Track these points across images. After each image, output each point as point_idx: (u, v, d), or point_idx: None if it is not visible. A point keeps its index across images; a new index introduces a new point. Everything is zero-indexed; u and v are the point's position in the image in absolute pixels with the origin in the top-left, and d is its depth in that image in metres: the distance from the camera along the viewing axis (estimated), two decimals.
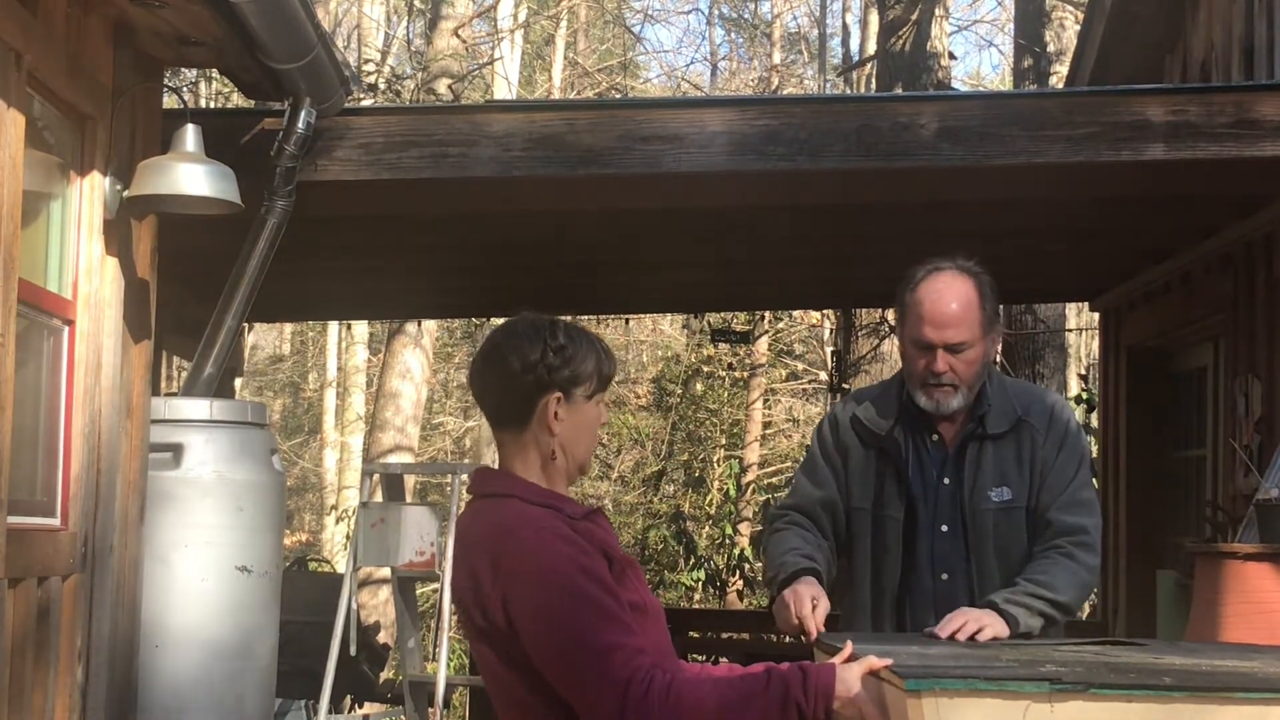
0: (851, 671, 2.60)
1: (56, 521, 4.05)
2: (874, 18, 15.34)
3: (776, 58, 22.83)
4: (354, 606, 7.27)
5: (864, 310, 12.21)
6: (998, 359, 3.81)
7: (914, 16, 12.12)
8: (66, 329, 4.14)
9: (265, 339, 26.33)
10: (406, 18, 20.31)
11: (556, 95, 20.78)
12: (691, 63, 35.21)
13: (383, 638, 11.52)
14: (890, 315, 11.61)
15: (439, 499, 18.24)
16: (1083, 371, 14.43)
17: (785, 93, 20.49)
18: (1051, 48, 12.66)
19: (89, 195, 4.20)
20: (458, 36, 15.55)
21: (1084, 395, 10.64)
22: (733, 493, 16.90)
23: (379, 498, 7.54)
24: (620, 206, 5.82)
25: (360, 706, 10.62)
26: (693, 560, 15.36)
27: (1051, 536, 3.52)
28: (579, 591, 2.51)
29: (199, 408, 4.68)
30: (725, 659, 8.68)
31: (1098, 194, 5.76)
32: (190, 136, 4.36)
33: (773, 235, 6.73)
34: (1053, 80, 12.30)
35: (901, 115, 5.08)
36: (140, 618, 4.50)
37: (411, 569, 7.15)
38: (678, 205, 5.76)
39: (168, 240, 4.73)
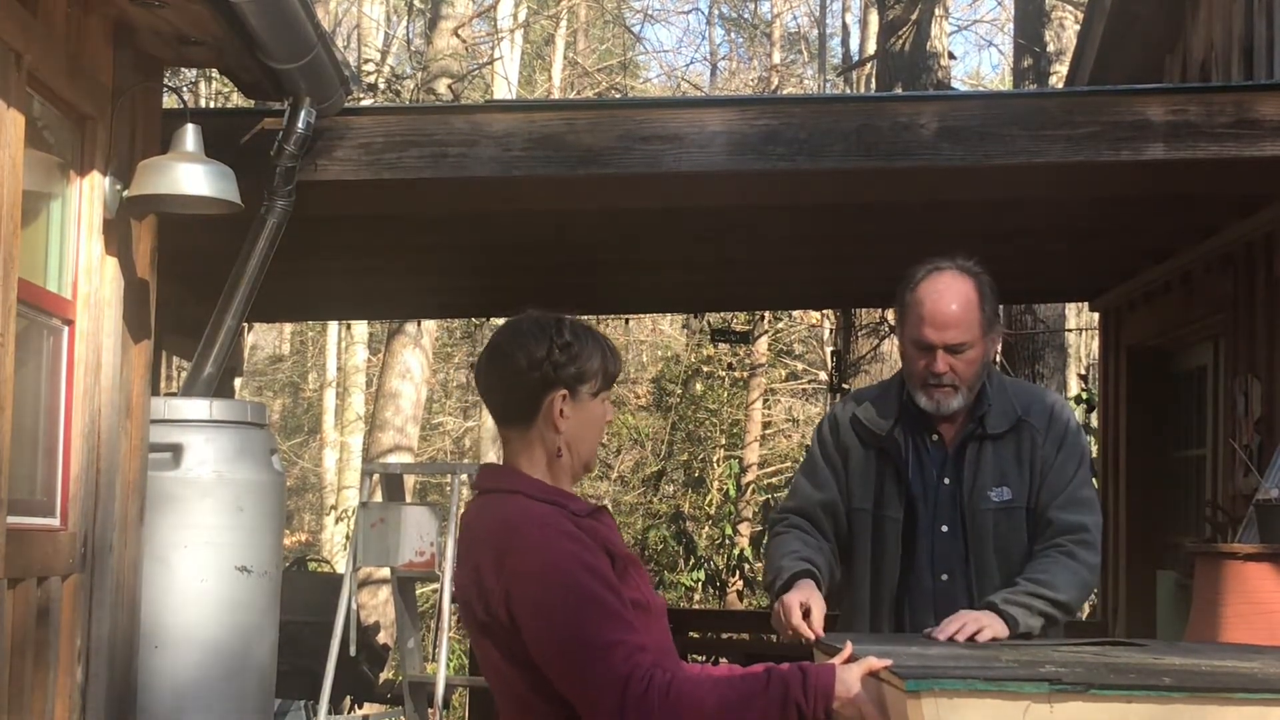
0: (851, 672, 2.60)
1: (56, 521, 4.05)
2: (874, 17, 15.34)
3: (776, 57, 22.83)
4: (354, 607, 7.27)
5: (864, 310, 12.20)
6: (997, 359, 3.81)
7: (914, 16, 12.12)
8: (66, 329, 4.14)
9: (265, 339, 26.33)
10: (406, 18, 20.32)
11: (556, 95, 20.78)
12: (691, 63, 35.26)
13: (382, 638, 11.52)
14: (890, 315, 11.61)
15: (439, 499, 18.24)
16: (1083, 371, 14.44)
17: (785, 93, 20.49)
18: (1051, 48, 12.66)
19: (89, 195, 4.20)
20: (457, 36, 15.55)
21: (1084, 395, 10.64)
22: (732, 493, 16.90)
23: (379, 498, 7.54)
24: (620, 206, 5.82)
25: (360, 707, 10.62)
26: (692, 560, 15.35)
27: (1051, 535, 3.52)
28: (581, 588, 2.51)
29: (199, 408, 4.68)
30: (725, 659, 8.68)
31: (1098, 194, 5.76)
32: (190, 136, 4.36)
33: (773, 235, 6.73)
34: (1053, 80, 12.30)
35: (901, 115, 5.08)
36: (140, 618, 4.50)
37: (411, 569, 7.15)
38: (678, 205, 5.76)
39: (168, 240, 4.72)
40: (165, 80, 4.82)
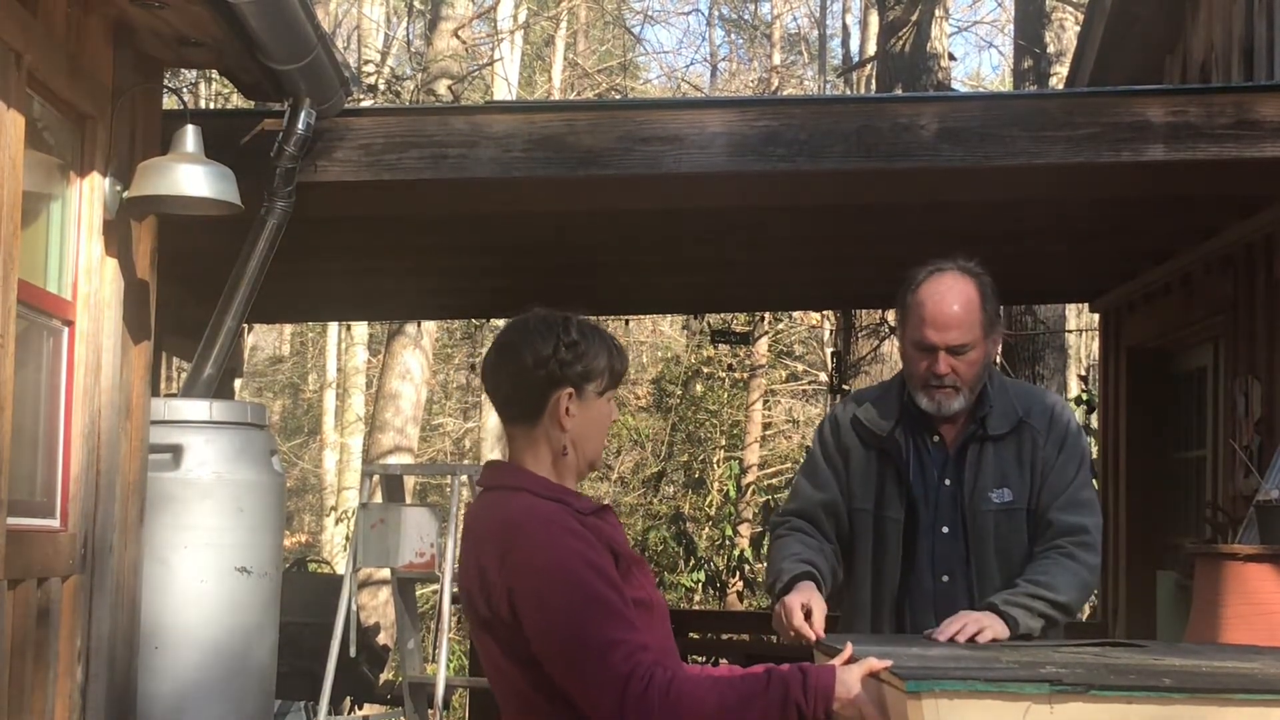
0: (851, 673, 2.60)
1: (56, 522, 4.05)
2: (874, 19, 15.35)
3: (776, 59, 22.84)
4: (354, 608, 7.27)
5: (864, 311, 12.20)
6: (998, 360, 3.81)
7: (914, 17, 12.12)
8: (66, 329, 4.13)
9: (265, 340, 26.33)
10: (406, 18, 20.32)
11: (556, 96, 20.78)
12: (691, 64, 35.27)
13: (382, 639, 11.52)
14: (890, 316, 11.61)
15: (439, 500, 18.24)
16: (1083, 372, 14.44)
17: (785, 94, 20.49)
18: (1051, 49, 12.66)
19: (89, 196, 4.20)
20: (457, 37, 15.56)
21: (1084, 396, 10.64)
22: (733, 494, 16.90)
23: (379, 499, 7.54)
24: (620, 207, 5.82)
25: (360, 708, 10.61)
26: (693, 561, 15.35)
27: (1052, 536, 3.52)
28: (584, 586, 2.52)
29: (199, 408, 4.68)
30: (725, 660, 8.68)
31: (1098, 195, 5.76)
32: (190, 137, 4.36)
33: (773, 236, 6.73)
34: (1053, 81, 12.30)
35: (902, 116, 5.08)
36: (140, 618, 4.50)
37: (411, 570, 7.15)
38: (678, 206, 5.76)
39: (168, 241, 4.73)
40: (165, 81, 4.82)
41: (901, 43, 12.14)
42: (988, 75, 28.58)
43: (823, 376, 17.80)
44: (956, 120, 5.06)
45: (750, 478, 18.01)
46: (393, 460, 14.01)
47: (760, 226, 6.49)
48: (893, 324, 11.64)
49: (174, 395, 5.00)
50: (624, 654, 2.48)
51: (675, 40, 46.65)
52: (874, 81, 14.17)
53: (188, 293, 6.78)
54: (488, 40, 18.55)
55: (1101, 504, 3.74)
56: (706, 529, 17.32)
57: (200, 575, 4.58)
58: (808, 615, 3.33)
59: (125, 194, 4.28)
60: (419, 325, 15.22)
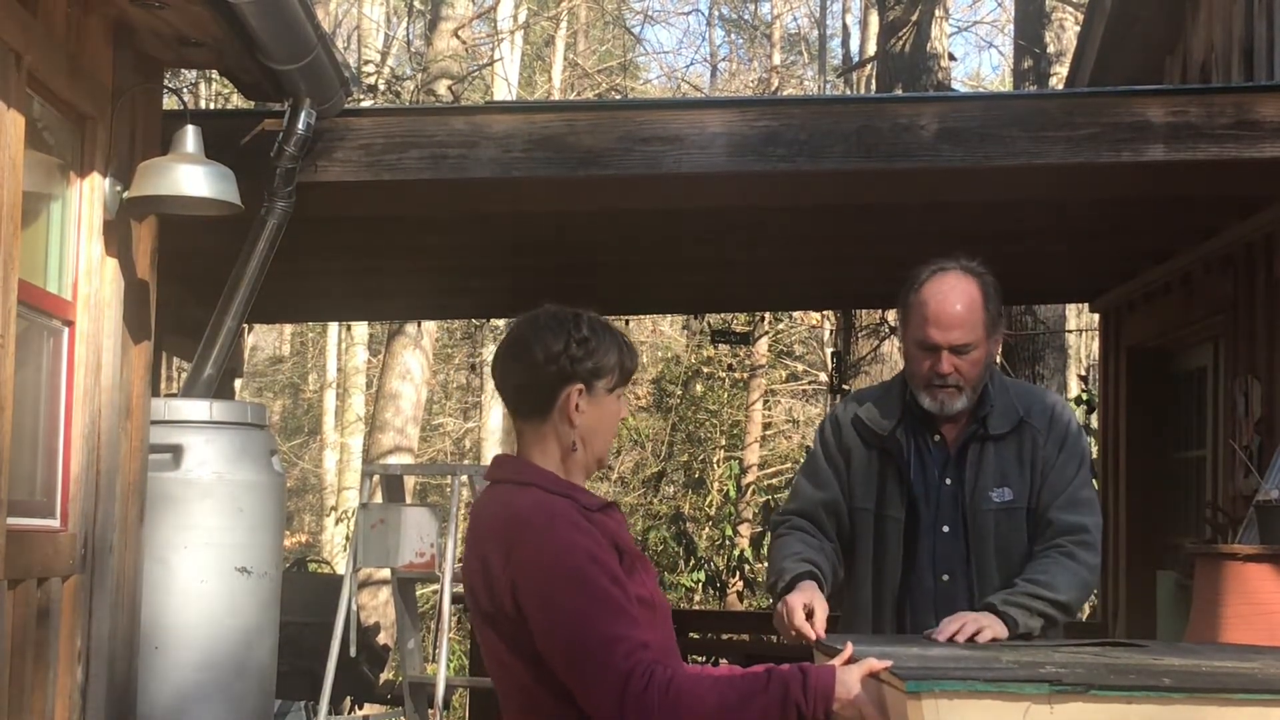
0: (851, 673, 2.60)
1: (56, 522, 4.05)
2: (874, 19, 15.34)
3: (776, 59, 22.83)
4: (354, 607, 7.27)
5: (864, 311, 12.20)
6: (998, 360, 3.81)
7: (914, 17, 12.12)
8: (66, 330, 4.14)
9: (265, 340, 26.33)
10: (406, 19, 20.32)
11: (556, 96, 20.78)
12: (691, 64, 35.26)
13: (383, 639, 11.52)
14: (890, 316, 11.61)
15: (439, 500, 18.24)
16: (1083, 372, 14.44)
17: (785, 94, 20.50)
18: (1051, 49, 12.66)
19: (89, 196, 4.20)
20: (457, 38, 15.55)
21: (1084, 396, 10.64)
22: (733, 494, 16.90)
23: (379, 499, 7.54)
24: (620, 207, 5.82)
25: (360, 707, 10.62)
26: (693, 561, 15.35)
27: (1052, 536, 3.52)
28: (588, 581, 2.52)
29: (199, 409, 4.68)
30: (725, 660, 8.68)
31: (1098, 195, 5.76)
32: (190, 137, 4.36)
33: (773, 236, 6.73)
34: (1053, 81, 12.30)
35: (902, 116, 5.08)
36: (140, 619, 4.50)
37: (411, 570, 7.14)
38: (678, 206, 5.76)
39: (168, 240, 4.73)
40: (165, 81, 4.82)
41: (901, 43, 12.14)
42: (988, 75, 28.60)
43: (823, 376, 17.80)
44: (956, 120, 5.06)
45: (750, 478, 18.00)
46: (393, 460, 14.01)
47: (760, 226, 6.49)
48: (893, 324, 11.64)
49: (174, 395, 5.00)
50: (626, 651, 2.49)
51: (675, 40, 46.68)
52: (874, 81, 14.17)
53: (188, 293, 6.78)
54: (488, 40, 18.55)
55: (1101, 504, 3.74)
56: (706, 529, 17.32)
57: (200, 575, 4.58)
58: (809, 615, 3.33)
59: (125, 194, 4.28)
60: (419, 325, 15.22)
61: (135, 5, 4.13)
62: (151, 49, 4.49)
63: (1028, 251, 6.96)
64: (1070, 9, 13.60)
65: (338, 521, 18.80)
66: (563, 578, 2.52)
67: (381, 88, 15.90)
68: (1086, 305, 9.27)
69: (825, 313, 16.09)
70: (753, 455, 18.47)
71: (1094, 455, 8.10)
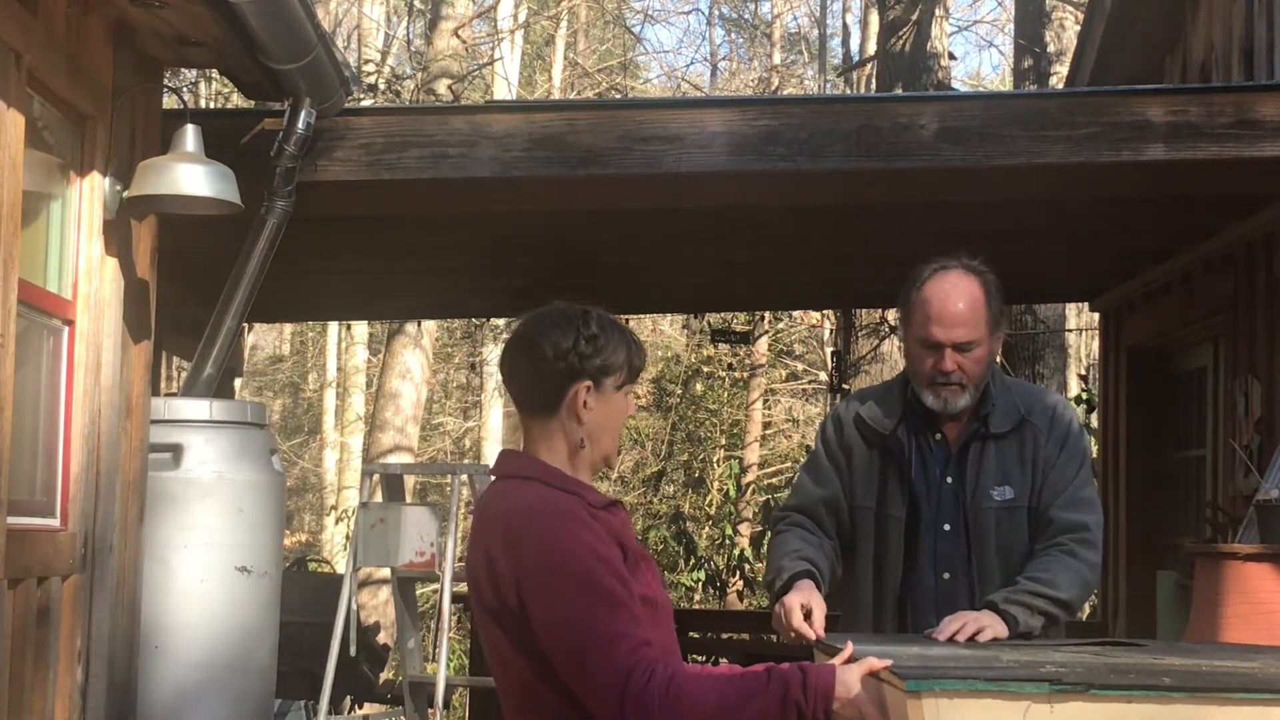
0: (851, 673, 2.61)
1: (56, 522, 4.05)
2: (874, 18, 15.34)
3: (776, 58, 22.83)
4: (354, 607, 7.27)
5: (864, 311, 12.20)
6: (998, 359, 3.81)
7: (914, 17, 12.12)
8: (66, 329, 4.14)
9: (265, 339, 26.33)
10: (406, 18, 20.31)
11: (556, 95, 20.78)
12: (691, 63, 35.24)
13: (383, 638, 11.52)
14: (890, 315, 11.61)
15: (439, 499, 18.24)
16: (1083, 372, 14.44)
17: (785, 93, 20.49)
18: (1051, 48, 12.66)
19: (89, 195, 4.20)
20: (458, 37, 15.55)
21: (1084, 395, 10.64)
22: (733, 493, 16.90)
23: (379, 498, 7.54)
24: (620, 207, 5.82)
25: (360, 707, 10.62)
26: (693, 561, 15.35)
27: (1053, 534, 3.53)
28: (592, 577, 2.52)
29: (199, 408, 4.68)
30: (725, 659, 8.68)
31: (1098, 194, 5.76)
32: (190, 137, 4.36)
33: (773, 236, 6.73)
34: (1053, 81, 12.30)
35: (902, 116, 5.08)
36: (140, 618, 4.50)
37: (411, 569, 7.14)
38: (678, 206, 5.76)
39: (168, 240, 4.73)
40: (165, 81, 4.82)
41: (901, 42, 12.14)
42: (988, 75, 28.59)
43: (823, 376, 17.80)
44: (956, 120, 5.06)
45: (750, 477, 18.00)
46: (393, 460, 14.01)
47: (760, 226, 6.49)
48: (893, 323, 11.64)
49: (174, 395, 5.00)
50: (627, 648, 2.49)
51: (675, 40, 46.69)
52: (874, 81, 14.17)
53: (188, 292, 6.78)
54: (488, 40, 18.54)
55: (1102, 504, 3.74)
56: (706, 528, 17.32)
57: (200, 575, 4.58)
58: (807, 615, 3.34)
59: (125, 194, 4.28)
60: (419, 325, 15.22)
61: (135, 5, 4.13)
62: (151, 49, 4.49)
63: (1028, 251, 6.96)
64: (1070, 9, 13.60)
65: (338, 521, 18.80)
66: (567, 573, 2.53)
67: (381, 87, 15.90)
68: (1086, 305, 9.27)
69: (825, 312, 16.09)
70: (753, 455, 18.47)
71: (1094, 455, 8.10)
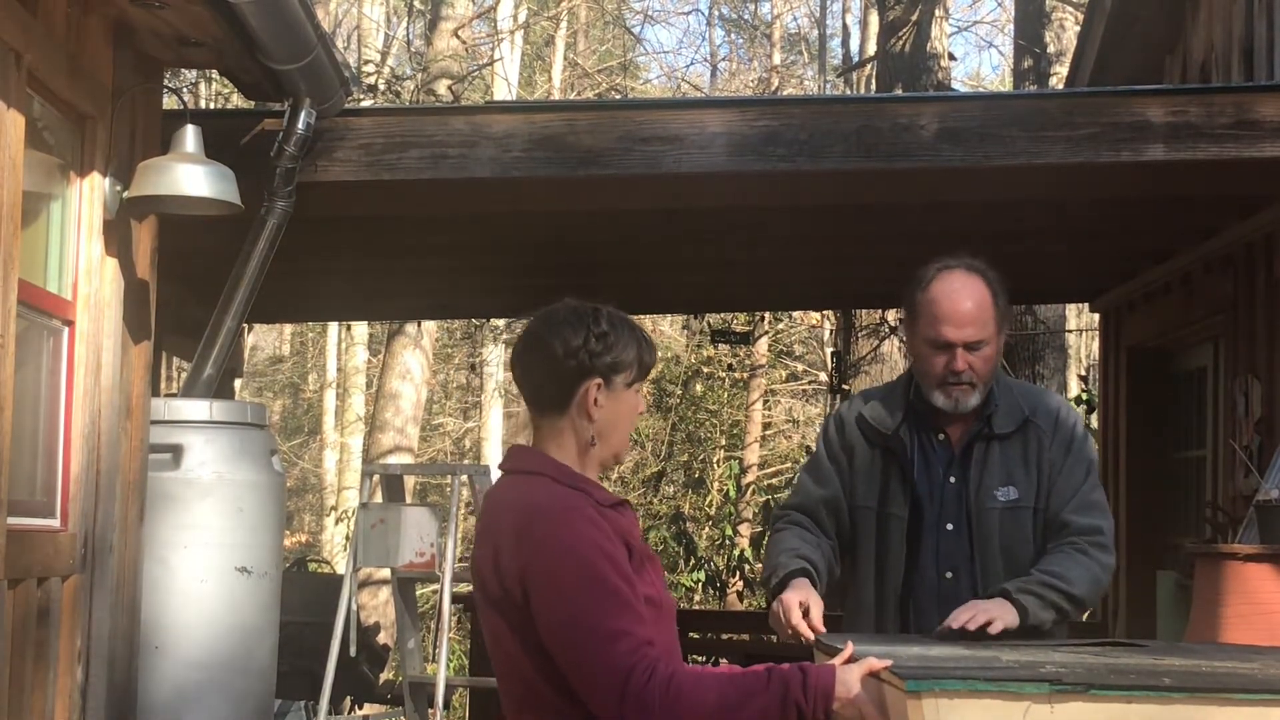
0: (851, 673, 2.61)
1: (56, 522, 4.05)
2: (874, 18, 15.34)
3: (776, 58, 22.83)
4: (354, 607, 7.27)
5: (864, 311, 12.20)
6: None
7: (914, 17, 12.12)
8: (66, 329, 4.13)
9: (265, 340, 26.33)
10: (406, 18, 20.31)
11: (556, 96, 20.78)
12: (691, 63, 35.25)
13: (383, 638, 11.52)
14: (890, 316, 11.61)
15: (439, 500, 18.24)
16: (1083, 372, 14.44)
17: (785, 93, 20.49)
18: (1051, 49, 12.66)
19: (89, 196, 4.20)
20: (457, 37, 15.56)
21: (1084, 396, 10.64)
22: (733, 494, 16.89)
23: (379, 498, 7.54)
24: (620, 207, 5.82)
25: (360, 707, 10.62)
26: (693, 561, 15.35)
27: (1067, 535, 3.54)
28: (596, 574, 2.52)
29: (199, 408, 4.68)
30: (725, 660, 8.68)
31: (1098, 195, 5.76)
32: (190, 137, 4.36)
33: (773, 236, 6.73)
34: (1053, 81, 12.30)
35: (901, 116, 5.08)
36: (140, 618, 4.50)
37: (411, 570, 7.14)
38: (678, 206, 5.76)
39: (168, 240, 4.72)
40: (165, 81, 4.82)
41: (901, 43, 12.14)
42: (988, 75, 28.59)
43: (823, 376, 17.79)
44: (956, 120, 5.06)
45: (750, 477, 18.00)
46: (393, 460, 14.01)
47: (760, 226, 6.49)
48: (893, 324, 11.64)
49: (174, 395, 5.00)
50: (629, 646, 2.49)
51: (675, 40, 46.66)
52: (874, 81, 14.17)
53: (188, 292, 6.78)
54: (488, 40, 18.55)
55: None
56: (706, 529, 17.31)
57: (200, 575, 4.58)
58: (805, 613, 3.34)
59: (125, 194, 4.28)
60: (419, 325, 15.22)
61: (135, 5, 4.13)
62: (151, 49, 4.49)
63: (1028, 251, 6.96)
64: (1070, 9, 13.60)
65: (338, 521, 18.80)
66: (572, 569, 2.53)
67: (381, 88, 15.89)
68: (1086, 305, 9.26)
69: (825, 313, 16.08)
70: (753, 455, 18.47)
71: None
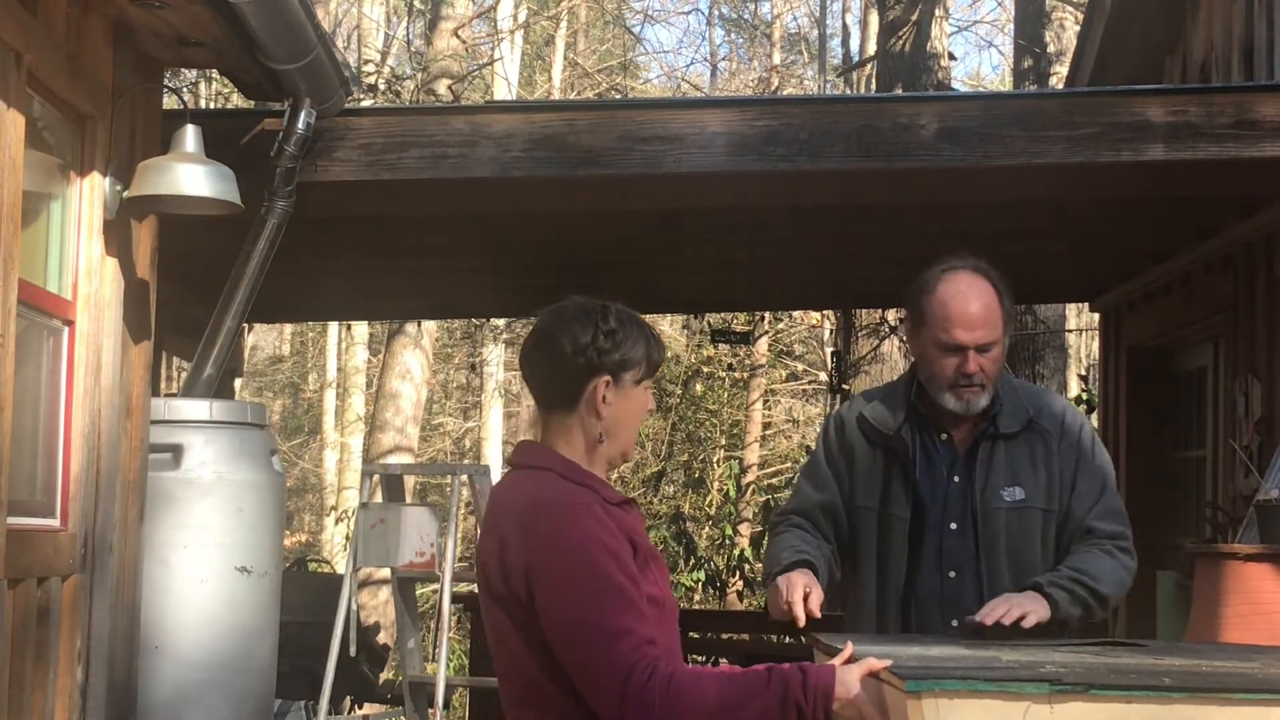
0: (851, 673, 2.61)
1: (56, 522, 4.05)
2: (874, 18, 15.34)
3: (776, 58, 22.83)
4: (354, 607, 7.27)
5: (864, 311, 12.21)
6: None
7: (914, 17, 12.12)
8: (66, 329, 4.13)
9: (265, 339, 26.33)
10: (406, 18, 20.31)
11: (556, 96, 20.78)
12: (691, 63, 35.24)
13: (382, 638, 11.52)
14: (890, 316, 11.61)
15: (439, 499, 18.24)
16: (1083, 372, 14.44)
17: (785, 93, 20.49)
18: (1051, 48, 12.67)
19: (89, 195, 4.20)
20: (457, 37, 15.55)
21: (1084, 396, 10.64)
22: (732, 493, 16.89)
23: (379, 498, 7.54)
24: (620, 207, 5.82)
25: (360, 707, 10.62)
26: (693, 561, 15.35)
27: (1092, 539, 3.55)
28: (600, 572, 2.53)
29: (199, 408, 4.68)
30: (725, 660, 8.68)
31: (1098, 195, 5.76)
32: (190, 137, 4.36)
33: (773, 236, 6.73)
34: (1053, 81, 12.30)
35: (902, 116, 5.08)
36: (140, 618, 4.50)
37: (411, 570, 7.14)
38: (678, 206, 5.76)
39: (168, 240, 4.73)
40: (165, 81, 4.82)
41: (901, 42, 12.14)
42: (988, 75, 28.59)
43: (823, 376, 17.79)
44: (956, 120, 5.06)
45: (750, 477, 18.00)
46: (393, 460, 14.01)
47: (760, 226, 6.49)
48: (893, 324, 11.63)
49: (174, 395, 5.00)
50: (631, 645, 2.49)
51: (675, 40, 46.68)
52: (874, 81, 14.17)
53: (188, 292, 6.78)
54: (488, 40, 18.54)
55: None
56: (706, 529, 17.31)
57: (200, 575, 4.58)
58: (806, 598, 3.33)
59: (125, 194, 4.28)
60: (419, 325, 15.22)
61: (135, 5, 4.13)
62: (151, 49, 4.49)
63: (1028, 251, 6.96)
64: (1070, 9, 13.60)
65: (338, 521, 18.80)
66: (576, 566, 2.53)
67: (381, 87, 15.89)
68: (1086, 305, 9.26)
69: (825, 312, 16.09)
70: (753, 455, 18.46)
71: None
